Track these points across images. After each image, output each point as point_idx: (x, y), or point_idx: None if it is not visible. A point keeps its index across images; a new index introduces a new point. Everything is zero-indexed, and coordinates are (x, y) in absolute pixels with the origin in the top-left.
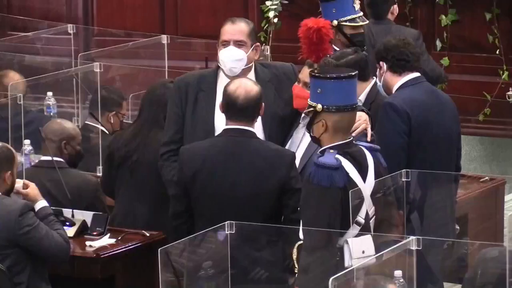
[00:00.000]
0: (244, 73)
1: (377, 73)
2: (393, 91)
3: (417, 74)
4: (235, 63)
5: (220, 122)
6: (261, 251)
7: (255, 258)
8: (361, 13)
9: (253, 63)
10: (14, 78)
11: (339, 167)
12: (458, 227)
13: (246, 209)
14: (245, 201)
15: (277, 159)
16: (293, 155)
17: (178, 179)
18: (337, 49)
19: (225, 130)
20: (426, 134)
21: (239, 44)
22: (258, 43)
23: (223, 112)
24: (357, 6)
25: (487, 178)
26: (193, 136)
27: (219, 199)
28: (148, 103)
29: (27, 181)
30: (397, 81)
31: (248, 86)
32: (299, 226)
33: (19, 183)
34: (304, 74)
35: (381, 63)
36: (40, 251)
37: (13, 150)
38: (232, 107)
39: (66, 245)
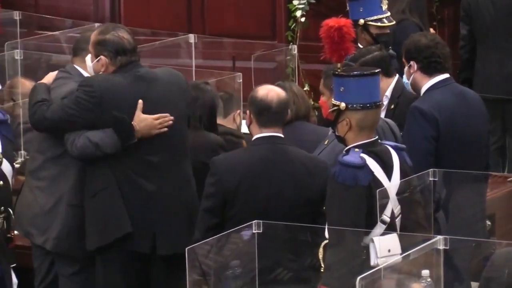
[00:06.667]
0: None
1: (405, 71)
2: (422, 92)
3: (446, 76)
4: (89, 70)
5: None
6: (287, 251)
7: (282, 257)
8: (388, 13)
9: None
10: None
11: (364, 166)
12: (489, 223)
13: (289, 217)
14: (288, 210)
15: (315, 166)
16: (326, 163)
17: (215, 191)
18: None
19: (259, 139)
20: (454, 138)
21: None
22: (102, 57)
23: (254, 121)
24: (384, 6)
25: None
26: None
27: (262, 209)
28: None
29: None
30: (427, 82)
31: (277, 90)
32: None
33: None
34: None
35: (412, 62)
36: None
37: None
38: (267, 112)
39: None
